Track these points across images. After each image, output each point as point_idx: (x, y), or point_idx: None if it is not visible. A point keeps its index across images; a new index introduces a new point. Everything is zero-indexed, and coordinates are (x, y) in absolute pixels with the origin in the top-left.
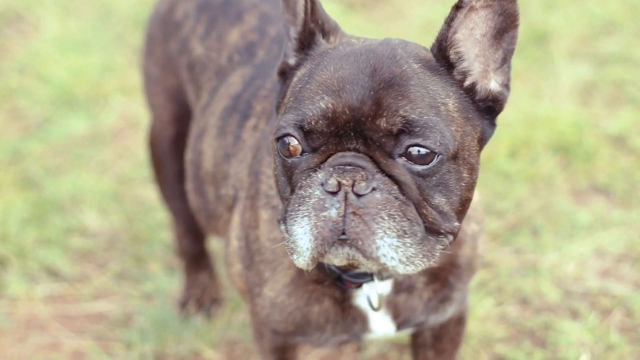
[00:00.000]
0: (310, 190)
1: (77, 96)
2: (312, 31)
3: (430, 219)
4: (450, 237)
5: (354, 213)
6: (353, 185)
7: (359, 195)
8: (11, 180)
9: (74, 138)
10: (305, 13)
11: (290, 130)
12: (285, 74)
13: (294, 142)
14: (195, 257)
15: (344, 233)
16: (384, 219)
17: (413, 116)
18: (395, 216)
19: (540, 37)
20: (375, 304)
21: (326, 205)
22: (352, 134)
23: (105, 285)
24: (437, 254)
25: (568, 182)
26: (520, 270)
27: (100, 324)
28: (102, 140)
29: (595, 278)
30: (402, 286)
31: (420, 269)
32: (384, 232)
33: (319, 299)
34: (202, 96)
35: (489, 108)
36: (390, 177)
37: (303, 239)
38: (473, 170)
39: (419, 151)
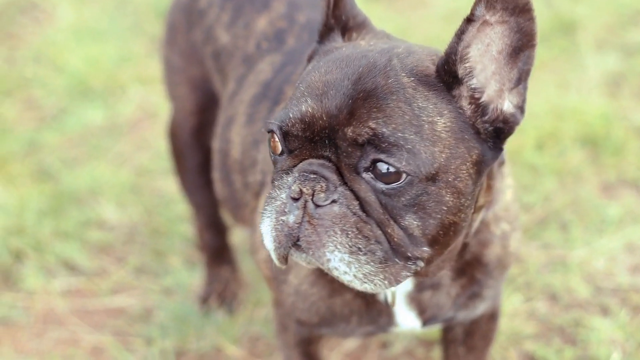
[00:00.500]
0: (278, 192)
1: (93, 86)
2: (331, 27)
3: (395, 240)
4: (420, 264)
5: (309, 222)
6: (313, 195)
7: (318, 206)
8: (27, 172)
9: (91, 129)
10: (327, 7)
11: (274, 128)
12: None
13: (275, 140)
14: (216, 250)
15: (299, 240)
16: (336, 233)
17: (383, 130)
18: (349, 232)
19: (566, 27)
20: (390, 300)
21: (286, 210)
22: (326, 142)
23: (124, 280)
24: (402, 280)
25: (597, 175)
26: (549, 266)
27: (120, 319)
28: (119, 132)
29: (626, 274)
30: (425, 284)
31: (382, 289)
32: (335, 246)
33: (340, 290)
34: (229, 84)
35: (497, 130)
36: (353, 191)
37: (266, 239)
38: (460, 194)
39: (387, 169)
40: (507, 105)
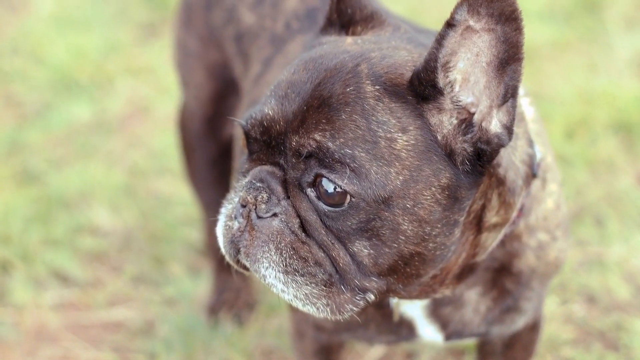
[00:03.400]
0: (233, 195)
1: (78, 79)
2: (333, 22)
3: (341, 265)
4: (370, 297)
5: (249, 232)
6: (256, 205)
7: (260, 217)
8: (10, 175)
9: (78, 126)
10: (332, 0)
11: (242, 127)
12: None
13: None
14: None
15: (240, 249)
16: (270, 250)
17: (329, 144)
18: (283, 251)
19: (591, 4)
20: (394, 315)
21: (233, 216)
22: (282, 148)
23: (122, 291)
24: (346, 313)
25: (632, 165)
26: (585, 265)
27: (119, 334)
28: (108, 128)
29: None
30: (444, 300)
31: (325, 315)
32: (269, 263)
33: None
34: (253, 67)
35: (477, 152)
36: (296, 208)
37: (219, 241)
38: (423, 222)
39: (333, 188)
40: (495, 124)
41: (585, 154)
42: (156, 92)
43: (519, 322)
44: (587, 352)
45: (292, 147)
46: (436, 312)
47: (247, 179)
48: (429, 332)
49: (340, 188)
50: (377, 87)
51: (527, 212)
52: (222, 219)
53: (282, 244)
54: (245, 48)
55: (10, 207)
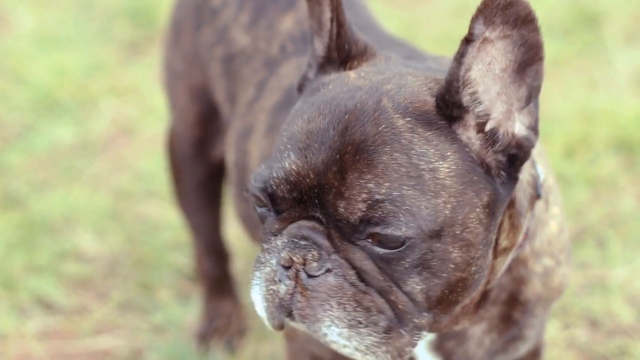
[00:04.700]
0: (268, 257)
1: (60, 100)
2: (333, 60)
3: (400, 307)
4: (424, 332)
5: (301, 294)
6: (305, 264)
7: (311, 276)
8: None
9: (61, 148)
10: (330, 39)
11: (257, 193)
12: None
13: (260, 199)
14: (217, 281)
15: (292, 312)
16: (332, 307)
17: (377, 197)
18: (347, 305)
19: (590, 19)
20: None
21: (276, 279)
22: (316, 201)
23: (108, 318)
24: (405, 355)
25: (634, 184)
26: (587, 288)
27: None
28: (93, 150)
29: None
30: (448, 334)
31: None
32: (332, 321)
33: None
34: (247, 90)
35: (511, 157)
36: (348, 259)
37: (258, 308)
38: (470, 246)
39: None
40: (519, 127)
41: (586, 173)
42: (141, 113)
43: (522, 350)
44: None
45: (339, 213)
46: (440, 346)
47: (284, 240)
48: None
49: (399, 237)
50: (408, 119)
51: (532, 235)
52: (260, 284)
53: (344, 299)
54: (235, 69)
55: None
